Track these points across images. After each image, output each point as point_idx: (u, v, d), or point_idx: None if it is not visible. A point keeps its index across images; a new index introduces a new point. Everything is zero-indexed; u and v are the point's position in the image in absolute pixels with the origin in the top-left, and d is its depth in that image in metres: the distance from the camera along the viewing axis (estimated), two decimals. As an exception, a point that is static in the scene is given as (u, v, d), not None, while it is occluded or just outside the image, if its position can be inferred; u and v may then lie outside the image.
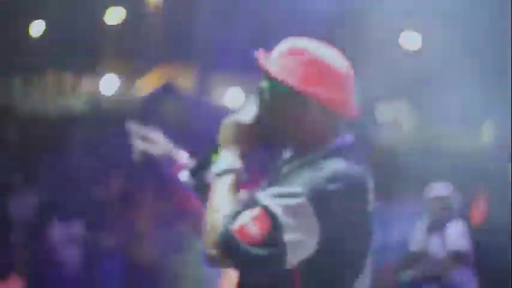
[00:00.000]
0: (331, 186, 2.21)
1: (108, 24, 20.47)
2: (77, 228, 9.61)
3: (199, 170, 2.53)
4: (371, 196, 2.33)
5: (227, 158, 2.33)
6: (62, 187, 10.94)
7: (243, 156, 2.36)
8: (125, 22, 20.40)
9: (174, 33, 19.21)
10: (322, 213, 2.18)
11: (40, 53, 19.28)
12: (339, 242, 2.22)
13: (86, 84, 22.27)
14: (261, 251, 2.14)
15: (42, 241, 9.62)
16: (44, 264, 9.39)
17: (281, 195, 2.18)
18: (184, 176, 2.62)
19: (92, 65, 20.78)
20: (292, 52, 2.36)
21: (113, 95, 21.22)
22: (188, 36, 18.37)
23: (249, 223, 2.15)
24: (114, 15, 20.44)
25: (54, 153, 13.79)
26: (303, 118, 2.35)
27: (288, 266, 2.18)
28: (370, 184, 2.34)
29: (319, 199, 2.18)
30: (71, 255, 9.55)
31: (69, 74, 22.26)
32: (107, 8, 20.18)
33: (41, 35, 20.00)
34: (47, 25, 19.96)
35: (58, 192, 10.72)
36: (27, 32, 19.93)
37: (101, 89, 21.41)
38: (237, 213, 2.18)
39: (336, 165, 2.28)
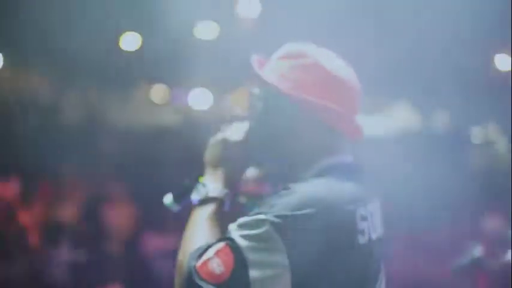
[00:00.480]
0: (300, 213, 1.91)
1: (200, 38, 20.61)
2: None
3: (184, 195, 2.21)
4: (364, 225, 1.99)
5: (211, 183, 2.04)
6: (156, 199, 10.93)
7: (233, 180, 2.02)
8: (218, 36, 20.50)
9: (266, 48, 19.18)
10: (290, 244, 1.89)
11: (134, 66, 19.55)
12: (320, 279, 1.91)
13: (178, 98, 22.50)
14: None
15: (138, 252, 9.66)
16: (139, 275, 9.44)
17: (246, 225, 1.91)
18: (167, 201, 2.26)
19: (184, 79, 20.95)
20: (289, 56, 2.09)
21: (205, 109, 21.41)
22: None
23: (212, 259, 1.93)
24: (207, 30, 20.56)
25: (148, 166, 13.93)
26: (294, 129, 2.07)
27: None
28: (364, 211, 2.00)
29: (286, 228, 1.89)
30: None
31: (162, 87, 22.55)
32: (198, 22, 20.33)
33: (136, 48, 20.28)
34: (142, 38, 20.23)
35: (153, 205, 10.73)
36: (122, 45, 20.24)
37: (192, 102, 21.63)
38: (206, 248, 1.93)
39: (311, 188, 1.98)
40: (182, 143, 17.87)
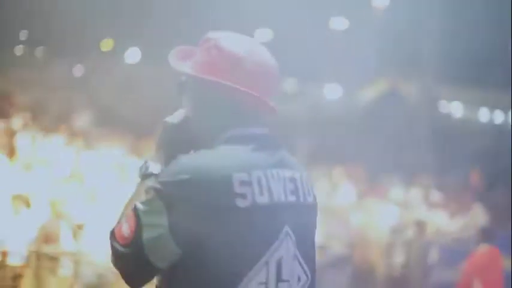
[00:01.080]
0: (175, 179, 2.01)
1: (333, 31, 20.79)
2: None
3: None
4: (246, 189, 2.02)
5: (152, 162, 2.17)
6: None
7: (171, 159, 2.12)
8: (349, 30, 20.62)
9: (398, 42, 19.14)
10: (169, 207, 1.99)
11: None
12: (202, 240, 1.99)
13: (310, 90, 22.75)
14: (125, 250, 2.04)
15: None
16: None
17: (145, 192, 2.06)
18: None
19: (316, 71, 21.19)
20: (200, 43, 2.20)
21: (335, 100, 21.59)
22: (414, 46, 18.26)
23: (124, 223, 2.06)
24: (339, 23, 20.74)
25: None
26: (206, 106, 2.16)
27: (156, 266, 2.03)
28: (247, 177, 2.04)
29: (165, 193, 2.01)
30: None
31: (293, 80, 22.87)
32: (332, 16, 20.53)
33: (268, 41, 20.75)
34: (273, 32, 20.69)
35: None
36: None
37: (325, 94, 21.83)
38: (123, 214, 2.10)
39: (192, 156, 2.09)
40: (312, 134, 18.18)
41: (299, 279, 2.11)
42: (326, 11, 20.07)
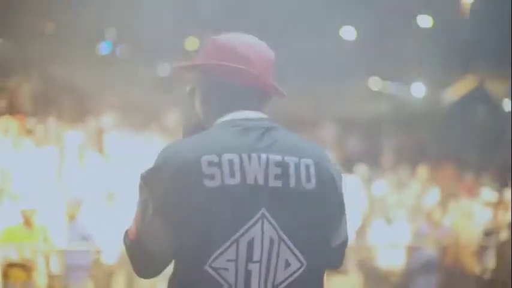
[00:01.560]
0: (155, 164, 2.17)
1: (419, 29, 20.52)
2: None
3: None
4: (214, 170, 2.11)
5: None
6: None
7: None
8: (435, 28, 20.31)
9: (486, 39, 18.74)
10: (152, 192, 2.14)
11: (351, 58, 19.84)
12: (179, 219, 2.11)
13: (393, 88, 22.53)
14: (131, 244, 2.21)
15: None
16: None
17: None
18: None
19: (401, 70, 20.98)
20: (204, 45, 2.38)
21: (420, 99, 21.31)
22: (502, 42, 17.85)
23: (133, 220, 2.22)
24: (424, 21, 20.45)
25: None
26: (208, 92, 2.30)
27: (157, 254, 2.17)
28: (217, 159, 2.12)
29: (148, 179, 2.17)
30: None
31: (377, 78, 22.69)
32: (418, 14, 20.25)
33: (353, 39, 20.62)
34: (357, 31, 20.55)
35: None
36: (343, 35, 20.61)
37: (411, 93, 21.60)
38: None
39: (171, 143, 2.22)
40: (398, 132, 18.01)
41: (287, 264, 2.14)
42: (411, 9, 19.82)
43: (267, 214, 2.13)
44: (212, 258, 2.10)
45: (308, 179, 2.19)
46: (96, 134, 13.37)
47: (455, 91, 20.05)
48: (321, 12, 18.02)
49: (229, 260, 2.11)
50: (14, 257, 7.16)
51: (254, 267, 2.12)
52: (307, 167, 2.20)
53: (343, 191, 2.28)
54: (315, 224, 2.19)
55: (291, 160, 2.18)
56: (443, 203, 11.23)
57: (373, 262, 9.19)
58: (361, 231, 9.33)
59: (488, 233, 9.85)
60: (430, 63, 19.48)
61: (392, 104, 20.99)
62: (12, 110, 16.89)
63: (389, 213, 10.64)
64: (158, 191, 2.14)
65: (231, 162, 2.13)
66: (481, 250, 9.73)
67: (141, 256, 2.21)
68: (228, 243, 2.11)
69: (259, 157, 2.16)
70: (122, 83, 20.67)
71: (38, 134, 13.17)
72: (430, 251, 9.28)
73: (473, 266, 9.54)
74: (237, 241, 2.11)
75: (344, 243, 2.32)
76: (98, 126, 13.92)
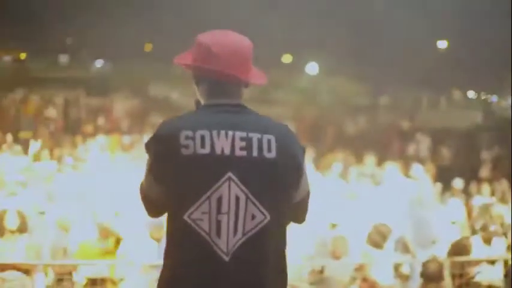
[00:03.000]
0: (152, 135, 2.79)
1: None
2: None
3: None
4: (189, 142, 2.68)
5: None
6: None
7: None
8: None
9: None
10: (149, 157, 2.78)
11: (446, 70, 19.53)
12: (163, 179, 2.73)
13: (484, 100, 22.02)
14: (141, 194, 2.89)
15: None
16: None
17: None
18: None
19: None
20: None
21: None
22: None
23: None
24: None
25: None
26: (196, 86, 2.91)
27: (156, 203, 2.84)
28: (192, 133, 2.69)
29: (147, 147, 2.79)
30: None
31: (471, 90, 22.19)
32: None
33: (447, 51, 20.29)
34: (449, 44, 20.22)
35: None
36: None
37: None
38: None
39: (166, 120, 2.81)
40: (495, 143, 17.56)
41: (253, 216, 2.71)
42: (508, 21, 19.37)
43: (233, 177, 2.70)
44: (189, 211, 2.67)
45: (269, 150, 2.75)
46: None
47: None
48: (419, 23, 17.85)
49: (203, 213, 2.67)
50: (102, 273, 7.19)
51: (223, 218, 2.68)
52: (269, 141, 2.76)
53: (302, 160, 2.84)
54: (275, 185, 2.74)
55: (254, 135, 2.76)
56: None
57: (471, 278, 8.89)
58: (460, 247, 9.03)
59: None
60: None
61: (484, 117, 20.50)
62: (110, 127, 17.36)
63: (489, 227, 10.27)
64: (151, 156, 2.78)
65: (202, 136, 2.71)
66: None
67: (147, 203, 2.88)
68: (202, 199, 2.67)
69: (226, 133, 2.73)
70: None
71: (134, 151, 13.48)
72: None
73: None
74: (209, 198, 2.68)
75: (304, 200, 2.89)
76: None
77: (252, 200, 2.71)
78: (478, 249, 8.69)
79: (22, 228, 7.14)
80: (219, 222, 2.69)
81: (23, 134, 15.47)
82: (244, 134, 2.75)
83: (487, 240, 8.83)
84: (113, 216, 7.96)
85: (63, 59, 28.88)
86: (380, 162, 13.07)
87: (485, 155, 17.07)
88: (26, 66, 24.78)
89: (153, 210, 2.90)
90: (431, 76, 22.41)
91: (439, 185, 12.02)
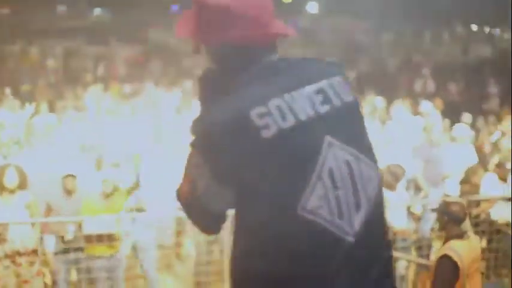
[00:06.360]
0: (203, 130, 2.13)
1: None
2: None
3: None
4: (267, 120, 2.08)
5: None
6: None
7: None
8: None
9: None
10: (209, 158, 2.12)
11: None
12: (242, 176, 2.08)
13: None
14: (186, 204, 2.23)
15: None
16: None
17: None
18: None
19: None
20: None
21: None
22: None
23: (183, 181, 2.23)
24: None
25: None
26: (219, 59, 2.29)
27: (212, 209, 2.19)
28: (265, 109, 2.09)
29: (197, 147, 2.15)
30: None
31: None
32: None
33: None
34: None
35: None
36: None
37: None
38: None
39: (212, 107, 2.20)
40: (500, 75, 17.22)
41: (370, 177, 2.19)
42: None
43: (332, 140, 2.16)
44: (302, 201, 2.08)
45: (345, 93, 2.24)
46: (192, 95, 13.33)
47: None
48: None
49: (320, 197, 2.09)
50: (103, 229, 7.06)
51: (341, 193, 2.13)
52: (339, 83, 2.25)
53: None
54: (365, 131, 2.28)
55: (323, 84, 2.22)
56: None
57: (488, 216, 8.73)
58: (469, 185, 8.85)
59: None
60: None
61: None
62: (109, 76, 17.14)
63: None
64: (205, 150, 2.13)
65: (279, 107, 2.13)
66: None
67: (199, 214, 2.24)
68: (312, 182, 2.10)
69: (299, 93, 2.17)
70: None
71: (134, 99, 13.26)
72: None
73: None
74: (319, 176, 2.10)
75: None
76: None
77: (363, 160, 2.20)
78: (492, 186, 8.53)
79: (22, 185, 6.97)
80: (338, 201, 2.13)
81: (23, 87, 15.24)
82: (315, 87, 2.21)
83: (503, 178, 8.63)
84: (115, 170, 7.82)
85: (61, 8, 28.55)
86: (388, 100, 12.85)
87: (492, 89, 16.80)
88: (24, 18, 24.44)
89: (211, 222, 2.28)
90: (433, 10, 22.00)
91: (447, 121, 11.79)
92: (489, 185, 8.47)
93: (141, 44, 21.25)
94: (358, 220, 2.14)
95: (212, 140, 2.11)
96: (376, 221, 2.20)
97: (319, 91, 2.20)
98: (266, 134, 2.08)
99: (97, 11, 29.34)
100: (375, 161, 2.24)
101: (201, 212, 2.23)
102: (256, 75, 2.21)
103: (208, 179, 2.14)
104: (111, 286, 7.19)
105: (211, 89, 2.34)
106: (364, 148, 2.22)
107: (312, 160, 2.11)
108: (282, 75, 2.20)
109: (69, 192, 7.26)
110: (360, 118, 2.28)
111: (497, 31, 27.20)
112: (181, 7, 26.37)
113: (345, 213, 2.12)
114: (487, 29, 27.62)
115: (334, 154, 2.15)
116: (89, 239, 7.00)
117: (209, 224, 2.28)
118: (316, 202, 2.09)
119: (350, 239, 2.11)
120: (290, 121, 2.12)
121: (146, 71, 17.55)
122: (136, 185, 7.63)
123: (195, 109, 13.09)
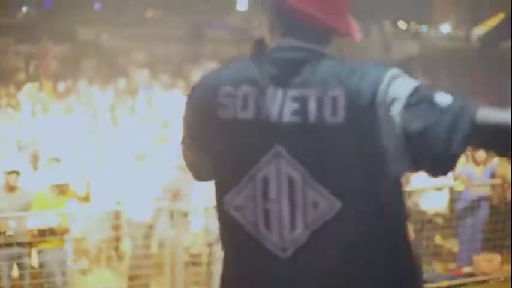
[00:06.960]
0: (195, 84, 2.16)
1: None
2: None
3: None
4: (229, 101, 2.00)
5: None
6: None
7: None
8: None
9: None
10: (186, 111, 2.14)
11: None
12: (201, 142, 2.10)
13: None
14: (182, 152, 2.26)
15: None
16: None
17: None
18: None
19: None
20: None
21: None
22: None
23: None
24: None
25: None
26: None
27: (196, 161, 2.19)
28: (234, 90, 2.00)
29: (187, 98, 2.14)
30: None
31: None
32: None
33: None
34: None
35: None
36: None
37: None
38: None
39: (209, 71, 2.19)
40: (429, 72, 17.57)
41: (315, 204, 1.92)
42: None
43: (283, 152, 1.96)
44: (229, 196, 2.01)
45: (333, 113, 1.90)
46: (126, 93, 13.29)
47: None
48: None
49: (248, 197, 1.98)
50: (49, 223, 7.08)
51: (272, 206, 1.96)
52: (334, 99, 1.91)
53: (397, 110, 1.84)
54: (351, 160, 1.91)
55: (311, 93, 1.94)
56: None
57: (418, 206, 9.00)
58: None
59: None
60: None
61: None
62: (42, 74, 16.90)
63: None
64: (188, 111, 2.13)
65: (246, 94, 2.00)
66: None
67: (189, 164, 2.26)
68: (245, 179, 1.98)
69: (275, 91, 1.98)
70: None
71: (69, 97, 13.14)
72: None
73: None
74: (253, 178, 1.98)
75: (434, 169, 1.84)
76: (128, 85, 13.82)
77: (313, 185, 1.94)
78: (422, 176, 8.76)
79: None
80: (267, 212, 1.98)
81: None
82: (296, 93, 1.96)
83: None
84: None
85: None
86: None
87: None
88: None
89: (198, 174, 2.26)
90: (361, 7, 22.33)
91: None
92: (419, 176, 8.70)
93: (71, 42, 21.03)
94: (291, 238, 1.96)
95: (190, 96, 2.12)
96: (326, 245, 1.95)
97: (299, 99, 1.97)
98: (222, 115, 2.01)
99: (25, 9, 28.93)
100: (335, 195, 1.93)
101: (189, 165, 2.26)
102: (262, 57, 2.05)
103: (186, 134, 2.18)
104: (61, 280, 7.23)
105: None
106: (326, 175, 1.94)
107: (252, 160, 1.99)
108: (283, 65, 2.00)
109: (11, 189, 7.23)
110: (343, 145, 1.92)
111: (423, 28, 27.70)
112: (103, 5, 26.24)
113: (273, 226, 1.98)
114: (414, 26, 28.11)
115: (278, 165, 1.98)
116: (34, 233, 7.01)
117: (195, 175, 2.28)
118: (241, 200, 2.00)
119: (280, 253, 1.98)
120: (248, 113, 2.00)
121: (79, 70, 17.40)
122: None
123: (128, 107, 13.08)
